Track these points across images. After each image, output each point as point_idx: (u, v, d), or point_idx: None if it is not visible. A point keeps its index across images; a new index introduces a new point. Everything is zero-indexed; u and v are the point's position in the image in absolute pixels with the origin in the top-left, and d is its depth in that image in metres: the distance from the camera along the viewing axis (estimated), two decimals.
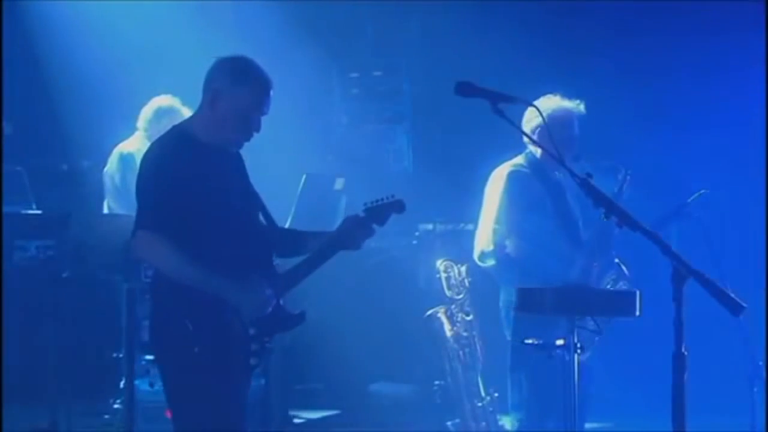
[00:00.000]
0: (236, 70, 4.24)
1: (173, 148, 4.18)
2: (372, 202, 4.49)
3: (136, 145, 7.21)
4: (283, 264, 4.46)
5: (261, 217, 4.42)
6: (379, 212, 4.48)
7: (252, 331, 4.20)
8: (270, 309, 4.22)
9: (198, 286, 4.08)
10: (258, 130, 4.28)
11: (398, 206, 4.51)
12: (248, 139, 4.31)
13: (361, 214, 4.47)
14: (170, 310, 4.15)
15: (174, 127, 4.35)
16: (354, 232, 4.44)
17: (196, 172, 4.12)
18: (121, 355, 6.11)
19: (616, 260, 5.72)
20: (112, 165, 7.29)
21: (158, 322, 4.25)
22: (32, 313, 6.25)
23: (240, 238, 4.23)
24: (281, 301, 4.30)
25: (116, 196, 7.21)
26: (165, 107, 7.12)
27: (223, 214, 4.18)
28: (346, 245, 4.45)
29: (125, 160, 7.17)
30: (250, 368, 4.25)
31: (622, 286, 5.65)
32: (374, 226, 4.47)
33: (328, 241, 4.43)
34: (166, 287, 4.15)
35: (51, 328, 6.15)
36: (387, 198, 4.50)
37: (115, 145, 7.33)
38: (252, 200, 4.40)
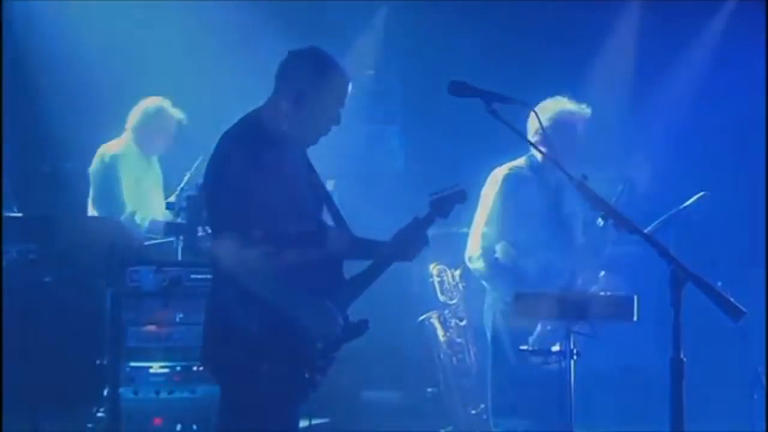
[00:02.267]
0: (320, 70, 4.14)
1: (254, 145, 3.99)
2: (435, 193, 4.35)
3: (121, 146, 7.18)
4: None
5: (330, 216, 4.26)
6: (443, 203, 4.35)
7: (320, 345, 4.04)
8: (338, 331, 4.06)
9: (274, 300, 3.90)
10: (338, 123, 4.20)
11: (461, 196, 4.39)
12: (326, 134, 4.21)
13: (428, 208, 4.33)
14: (239, 322, 3.92)
15: (248, 121, 4.14)
16: (407, 245, 4.28)
17: (276, 171, 3.97)
18: (105, 362, 6.00)
19: (601, 273, 5.61)
20: (95, 165, 7.22)
21: (223, 333, 3.99)
22: (13, 318, 6.13)
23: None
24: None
25: (96, 198, 7.11)
26: (153, 109, 7.12)
27: (299, 215, 4.05)
28: (400, 258, 4.29)
29: (108, 162, 7.11)
30: (315, 386, 4.07)
31: None
32: (438, 218, 4.33)
33: (384, 254, 4.26)
34: (236, 297, 3.92)
35: (33, 334, 6.05)
36: (450, 188, 4.37)
37: (101, 143, 7.26)
38: (320, 197, 4.25)
